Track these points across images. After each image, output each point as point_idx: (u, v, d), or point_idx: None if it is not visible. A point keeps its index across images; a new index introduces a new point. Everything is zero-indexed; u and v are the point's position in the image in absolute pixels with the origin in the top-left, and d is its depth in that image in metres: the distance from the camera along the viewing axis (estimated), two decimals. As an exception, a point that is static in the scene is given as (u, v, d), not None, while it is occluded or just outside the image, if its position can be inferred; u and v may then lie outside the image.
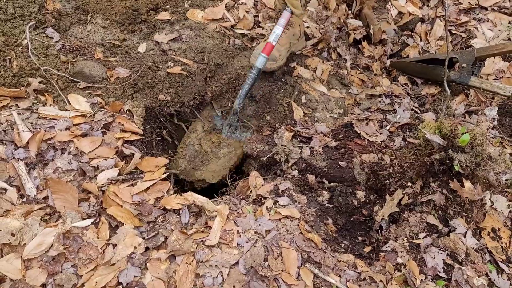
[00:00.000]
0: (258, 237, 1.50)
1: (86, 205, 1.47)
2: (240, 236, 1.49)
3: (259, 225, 1.54)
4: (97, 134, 1.68)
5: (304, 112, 2.13)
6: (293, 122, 2.08)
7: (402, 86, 2.34)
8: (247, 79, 2.00)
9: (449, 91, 1.90)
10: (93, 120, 1.73)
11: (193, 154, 2.06)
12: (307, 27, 2.58)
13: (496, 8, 2.87)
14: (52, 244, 1.33)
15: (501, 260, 1.48)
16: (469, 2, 2.90)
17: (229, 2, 2.51)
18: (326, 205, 1.79)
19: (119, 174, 1.59)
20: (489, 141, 1.92)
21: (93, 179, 1.56)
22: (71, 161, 1.56)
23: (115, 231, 1.41)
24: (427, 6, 2.93)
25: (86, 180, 1.54)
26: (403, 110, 2.12)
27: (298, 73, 2.29)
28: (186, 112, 2.08)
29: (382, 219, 1.66)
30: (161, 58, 2.06)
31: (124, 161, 1.65)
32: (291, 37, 2.25)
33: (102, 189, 1.52)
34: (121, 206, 1.49)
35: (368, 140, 1.95)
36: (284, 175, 1.86)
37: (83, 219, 1.42)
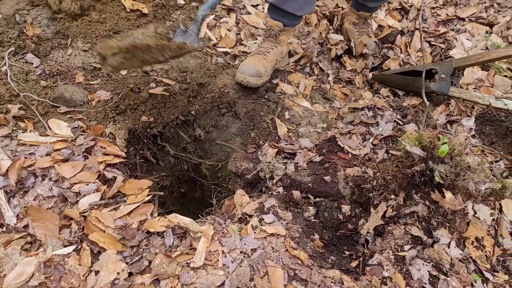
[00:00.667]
0: (244, 256, 1.49)
1: (67, 232, 1.45)
2: (226, 256, 1.48)
3: (245, 244, 1.53)
4: (79, 159, 1.67)
5: (288, 128, 2.14)
6: (277, 138, 2.09)
7: (384, 98, 2.36)
8: None
9: (428, 103, 1.92)
10: (74, 145, 1.72)
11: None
12: (289, 43, 2.61)
13: (473, 19, 2.94)
14: (33, 274, 1.30)
15: (486, 269, 1.48)
16: (446, 14, 2.96)
17: (210, 21, 2.54)
18: (312, 220, 1.79)
19: (101, 199, 1.58)
20: (470, 150, 1.94)
21: (75, 205, 1.54)
22: (52, 188, 1.55)
23: (97, 257, 1.39)
24: (406, 18, 2.99)
25: (67, 206, 1.53)
26: (386, 122, 2.14)
27: (281, 89, 2.31)
28: (170, 132, 2.08)
29: (368, 232, 1.66)
30: (143, 79, 2.07)
31: (106, 185, 1.64)
32: (278, 54, 2.28)
33: (84, 215, 1.51)
34: (104, 231, 1.47)
35: (351, 153, 1.96)
36: (269, 192, 1.86)
37: (65, 246, 1.40)
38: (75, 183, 1.59)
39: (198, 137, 2.18)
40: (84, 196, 1.57)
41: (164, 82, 2.09)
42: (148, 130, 1.99)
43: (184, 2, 2.57)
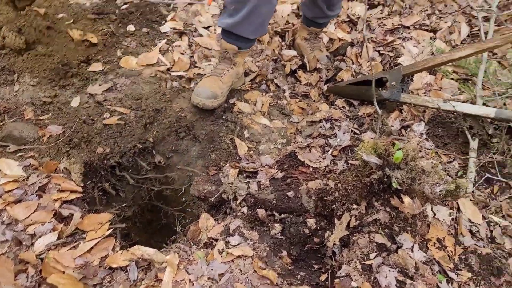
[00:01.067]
0: (212, 282, 1.46)
1: (24, 277, 1.38)
2: (193, 284, 1.45)
3: (212, 269, 1.51)
4: (32, 198, 1.61)
5: (248, 147, 2.14)
6: (238, 158, 2.08)
7: (340, 109, 2.41)
8: None
9: (380, 111, 1.98)
10: (26, 184, 1.65)
11: None
12: (245, 62, 2.64)
13: (417, 26, 3.07)
14: (-12, 326, 1.23)
15: (449, 268, 1.52)
16: (392, 23, 3.07)
17: (163, 46, 2.53)
18: (279, 237, 1.79)
19: (58, 238, 1.52)
20: (425, 153, 2.00)
21: (31, 247, 1.47)
22: (4, 232, 1.47)
23: (57, 301, 1.33)
24: (355, 30, 3.08)
25: (22, 249, 1.46)
26: (343, 133, 2.18)
27: (239, 109, 2.31)
28: (128, 161, 2.04)
29: (334, 244, 1.67)
30: (96, 110, 2.03)
31: (63, 223, 1.58)
32: (233, 75, 2.29)
33: (40, 257, 1.44)
34: (63, 272, 1.41)
35: (312, 167, 1.98)
36: (234, 213, 1.84)
37: (22, 292, 1.33)
38: (30, 225, 1.53)
39: (158, 163, 2.15)
40: (40, 237, 1.51)
41: (118, 111, 2.06)
42: (105, 162, 1.95)
43: (134, 29, 2.55)
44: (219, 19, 2.09)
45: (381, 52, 2.86)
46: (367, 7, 3.28)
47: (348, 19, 3.16)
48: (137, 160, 2.08)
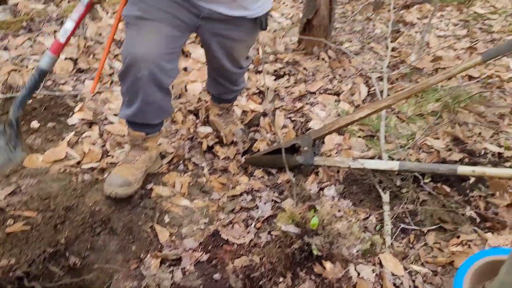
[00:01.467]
0: None
1: None
2: None
3: None
4: None
5: (170, 232, 2.06)
6: (159, 246, 1.99)
7: (260, 179, 2.45)
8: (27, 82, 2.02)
9: (293, 179, 2.04)
10: None
11: None
12: (159, 144, 2.62)
13: (322, 91, 3.31)
14: None
15: (381, 329, 1.51)
16: (299, 91, 3.28)
17: (71, 138, 2.45)
18: (211, 326, 1.69)
19: None
20: (344, 212, 2.06)
21: None
22: None
23: None
24: (266, 100, 3.23)
25: None
26: (264, 203, 2.19)
27: (157, 193, 2.25)
28: (37, 269, 1.86)
29: (266, 324, 1.61)
30: (-2, 218, 1.87)
31: None
32: (147, 160, 2.24)
33: None
34: None
35: (236, 243, 1.94)
36: (159, 309, 1.73)
37: None
38: None
39: (73, 266, 1.97)
40: None
41: (23, 215, 1.91)
42: (11, 274, 1.76)
43: (39, 125, 2.47)
44: (120, 110, 2.08)
45: (292, 118, 3.01)
46: (274, 77, 3.50)
47: (258, 91, 3.32)
48: (48, 266, 1.90)
